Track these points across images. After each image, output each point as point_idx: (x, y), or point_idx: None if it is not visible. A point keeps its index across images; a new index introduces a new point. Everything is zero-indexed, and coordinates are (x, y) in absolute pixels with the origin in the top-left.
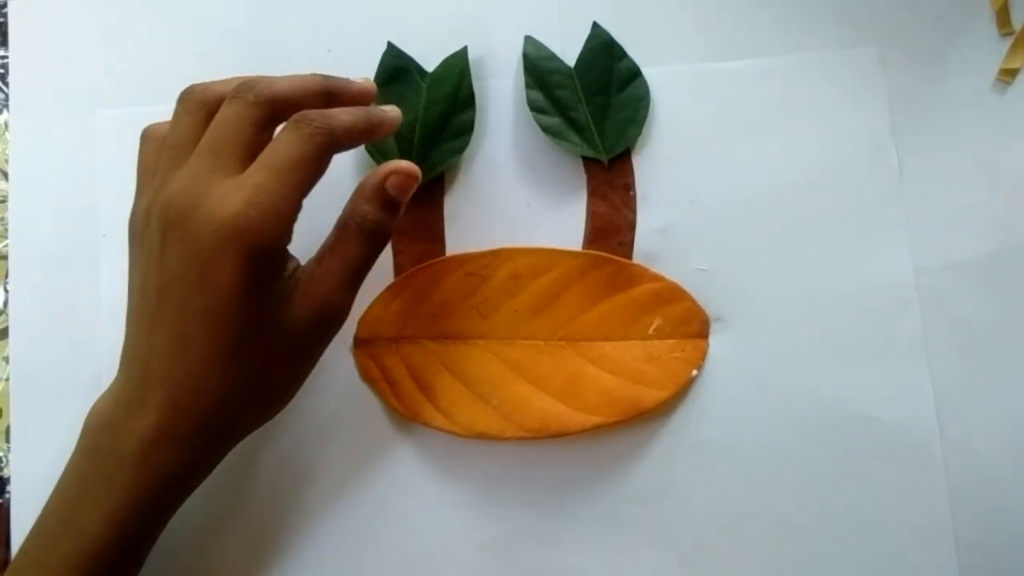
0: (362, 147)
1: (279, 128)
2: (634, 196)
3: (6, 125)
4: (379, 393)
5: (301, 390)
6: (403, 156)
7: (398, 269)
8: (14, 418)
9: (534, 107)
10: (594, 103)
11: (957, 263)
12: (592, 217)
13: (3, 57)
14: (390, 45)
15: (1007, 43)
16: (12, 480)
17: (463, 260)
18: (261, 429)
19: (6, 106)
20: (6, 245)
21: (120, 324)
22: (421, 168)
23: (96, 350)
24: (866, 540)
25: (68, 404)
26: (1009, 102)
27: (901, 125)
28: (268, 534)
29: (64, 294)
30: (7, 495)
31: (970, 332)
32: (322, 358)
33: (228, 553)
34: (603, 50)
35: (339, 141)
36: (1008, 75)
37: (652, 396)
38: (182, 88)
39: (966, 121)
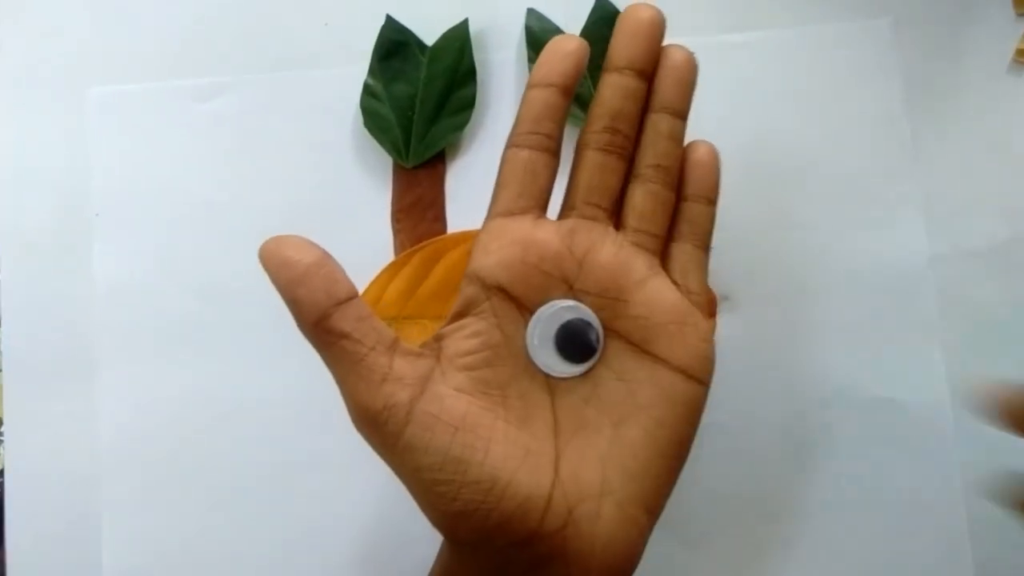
0: (360, 122)
1: None
2: None
3: None
4: None
5: (299, 373)
6: (403, 132)
7: (398, 248)
8: (7, 405)
9: None
10: (598, 76)
11: (972, 251)
12: None
13: None
14: (389, 18)
15: (1023, 24)
16: (6, 469)
17: (465, 237)
18: (260, 415)
19: None
20: None
21: (116, 305)
22: (422, 144)
23: (91, 333)
24: (878, 522)
25: (63, 390)
26: None
27: (914, 104)
28: (267, 520)
29: (57, 276)
30: (0, 483)
31: (985, 320)
32: None
33: (225, 540)
34: (608, 22)
35: None
36: None
37: None
38: (176, 65)
39: (981, 102)
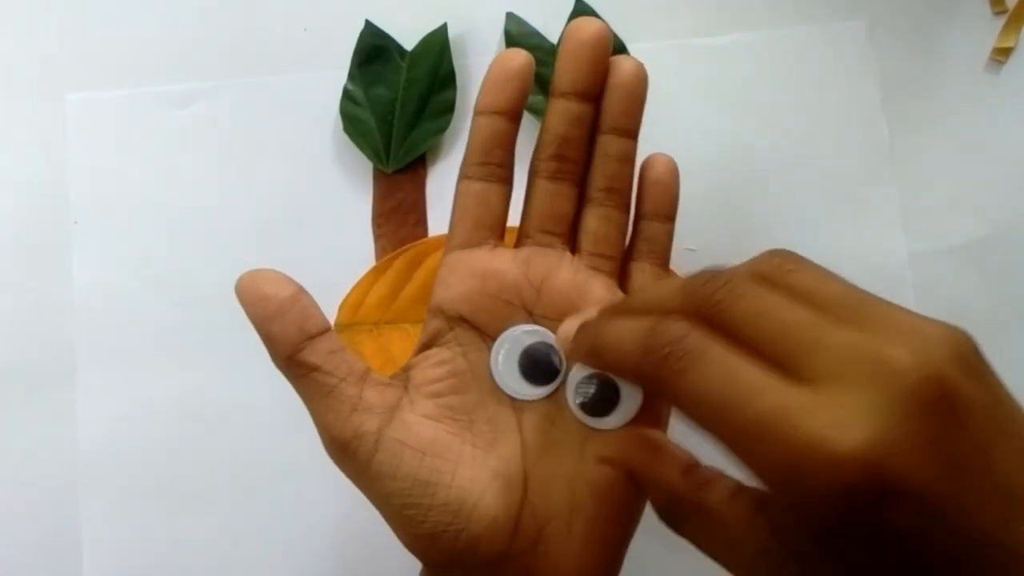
0: (340, 127)
1: None
2: None
3: None
4: None
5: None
6: (383, 137)
7: (379, 252)
8: None
9: None
10: None
11: (950, 249)
12: None
13: None
14: (368, 23)
15: (1000, 21)
16: None
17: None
18: (246, 420)
19: None
20: None
21: (95, 312)
22: (402, 149)
23: (69, 339)
24: None
25: (42, 397)
26: (1002, 82)
27: (892, 104)
28: (247, 526)
29: (36, 283)
30: None
31: (963, 318)
32: None
33: (205, 546)
34: None
35: None
36: (1002, 54)
37: None
38: (154, 70)
39: (958, 101)
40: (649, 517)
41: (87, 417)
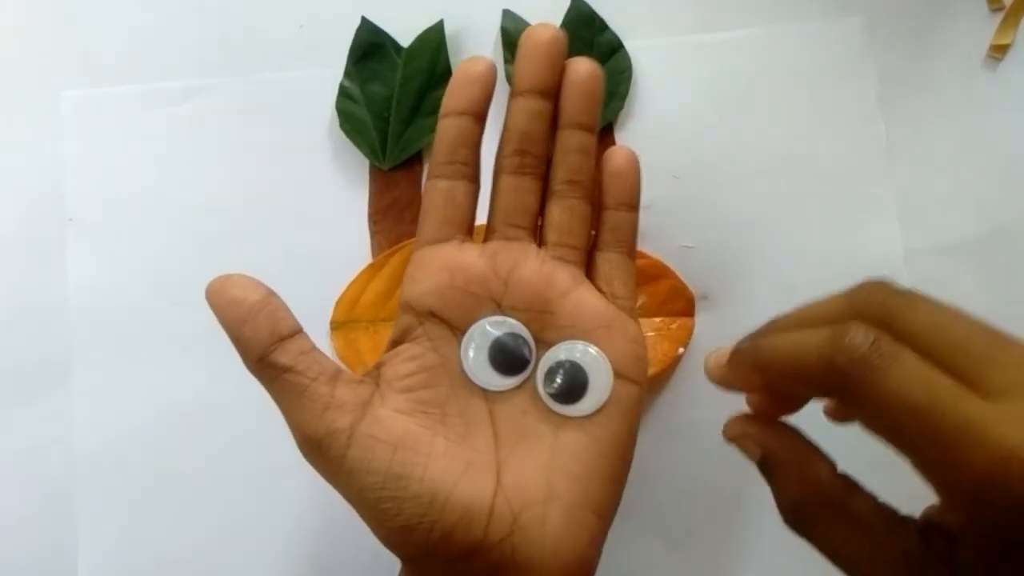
0: (336, 124)
1: None
2: None
3: None
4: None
5: None
6: (379, 134)
7: (376, 249)
8: None
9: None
10: None
11: (947, 246)
12: None
13: None
14: (364, 20)
15: (997, 18)
16: None
17: None
18: (236, 420)
19: None
20: None
21: (90, 310)
22: (398, 145)
23: (65, 338)
24: None
25: (37, 395)
26: (999, 79)
27: (889, 101)
28: (243, 524)
29: (31, 281)
30: None
31: None
32: None
33: (201, 544)
34: (583, 22)
35: None
36: (998, 51)
37: None
38: (150, 67)
39: (955, 98)
40: (646, 516)
41: (83, 416)
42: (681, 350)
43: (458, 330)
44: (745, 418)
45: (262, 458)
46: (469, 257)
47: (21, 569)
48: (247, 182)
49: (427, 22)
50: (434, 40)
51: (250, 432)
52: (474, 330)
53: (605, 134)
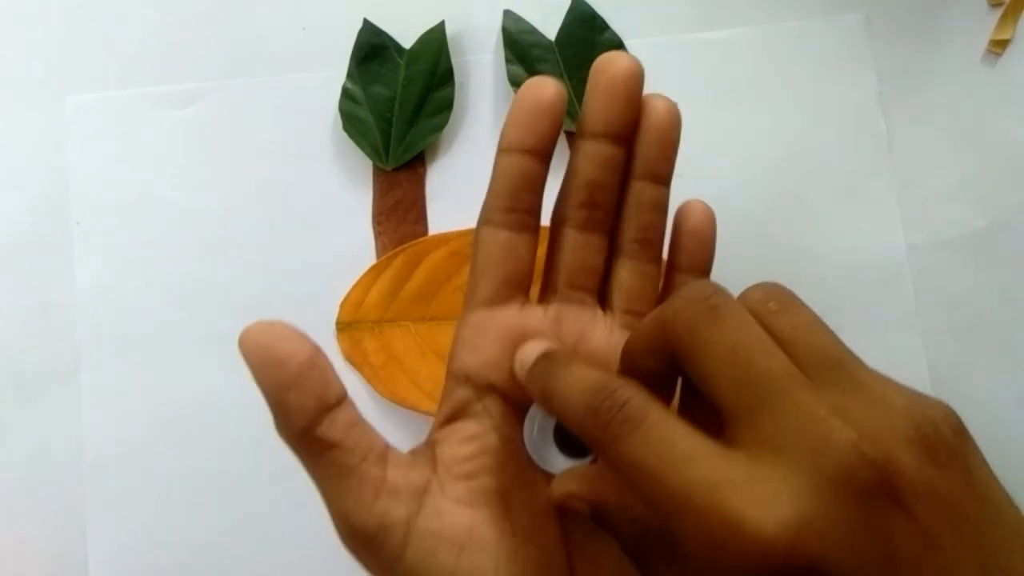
0: (339, 126)
1: None
2: None
3: None
4: (364, 377)
5: None
6: (382, 135)
7: (380, 250)
8: None
9: (515, 82)
10: (576, 77)
11: (948, 240)
12: None
13: None
14: (366, 22)
15: (997, 13)
16: None
17: (445, 239)
18: (242, 420)
19: None
20: None
21: (97, 312)
22: (401, 146)
23: (72, 340)
24: None
25: (45, 397)
26: (999, 74)
27: (889, 97)
28: (251, 524)
29: (38, 284)
30: None
31: (962, 309)
32: None
33: (210, 543)
34: (584, 22)
35: None
36: (998, 46)
37: None
38: (154, 71)
39: (955, 93)
40: None
41: (91, 418)
42: None
43: (520, 407)
44: (568, 476)
45: (270, 457)
46: (533, 325)
47: (31, 568)
48: (251, 184)
49: (428, 23)
50: (435, 41)
51: (258, 431)
52: (538, 407)
53: None
